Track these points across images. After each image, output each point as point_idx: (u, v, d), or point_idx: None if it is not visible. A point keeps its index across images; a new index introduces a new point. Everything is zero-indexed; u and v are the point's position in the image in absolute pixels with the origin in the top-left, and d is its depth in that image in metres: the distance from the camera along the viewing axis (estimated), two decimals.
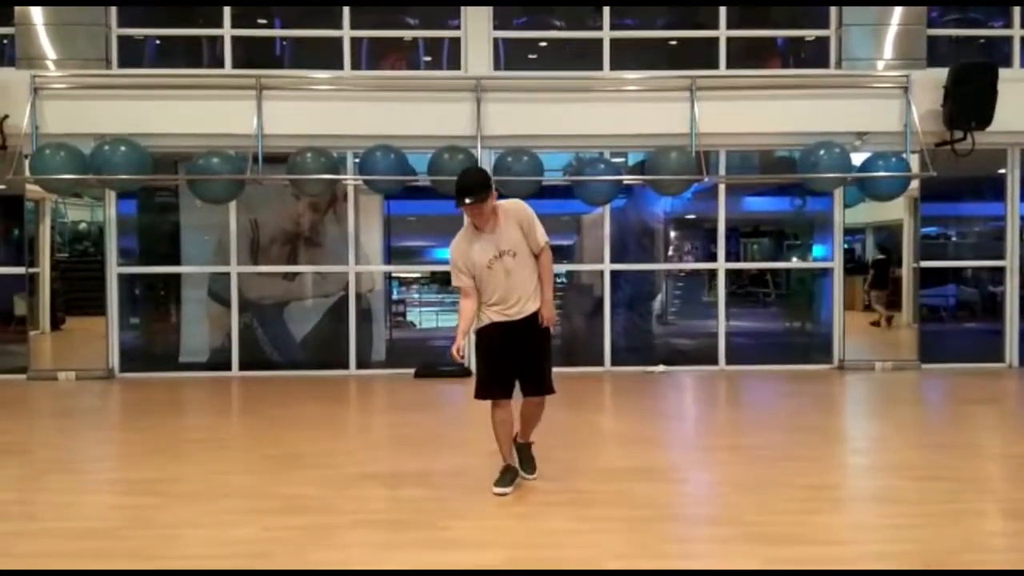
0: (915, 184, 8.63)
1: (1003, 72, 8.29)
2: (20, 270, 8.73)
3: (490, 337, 4.32)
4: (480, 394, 4.34)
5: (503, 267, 4.18)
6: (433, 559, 3.48)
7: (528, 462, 4.54)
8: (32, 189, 8.45)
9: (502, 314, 4.24)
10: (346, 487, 4.54)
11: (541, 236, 4.24)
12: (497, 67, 8.84)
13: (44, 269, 8.90)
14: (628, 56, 8.93)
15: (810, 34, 9.20)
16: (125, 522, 4.02)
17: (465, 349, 4.10)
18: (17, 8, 8.36)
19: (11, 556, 3.54)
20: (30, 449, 5.71)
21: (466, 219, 4.26)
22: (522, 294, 4.22)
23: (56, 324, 9.07)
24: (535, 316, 4.26)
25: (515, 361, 4.27)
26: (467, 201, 4.07)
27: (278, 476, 4.80)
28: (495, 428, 4.40)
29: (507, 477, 4.38)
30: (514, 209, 4.23)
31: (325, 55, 8.85)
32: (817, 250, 9.66)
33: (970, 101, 8.23)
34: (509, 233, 4.18)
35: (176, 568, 3.38)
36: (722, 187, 9.00)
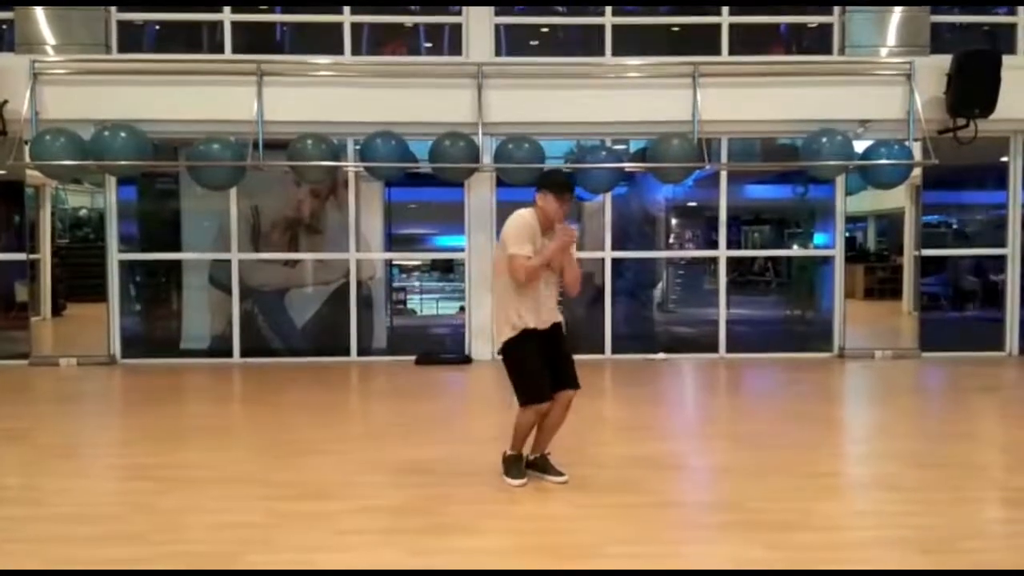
0: (917, 172, 8.64)
1: (1006, 59, 8.26)
2: (21, 256, 8.73)
3: (529, 342, 4.23)
4: (537, 398, 4.19)
5: (548, 272, 4.24)
6: (434, 545, 3.49)
7: (553, 468, 4.40)
8: (32, 175, 8.45)
9: (537, 320, 4.23)
10: (348, 473, 4.56)
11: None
12: (498, 53, 8.80)
13: (45, 255, 8.90)
14: (630, 42, 8.88)
15: (813, 20, 9.14)
16: (128, 507, 4.03)
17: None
18: None
19: (15, 541, 3.56)
20: (33, 435, 5.72)
21: (530, 213, 4.20)
22: (552, 305, 4.31)
23: (57, 310, 9.08)
24: (559, 325, 4.35)
25: (550, 363, 4.27)
26: (570, 196, 4.22)
27: (280, 462, 4.82)
28: (525, 429, 4.29)
29: (520, 467, 4.36)
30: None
31: (326, 40, 8.80)
32: (819, 238, 9.65)
33: (973, 88, 8.21)
34: None
35: (181, 551, 3.40)
36: (724, 174, 8.98)
